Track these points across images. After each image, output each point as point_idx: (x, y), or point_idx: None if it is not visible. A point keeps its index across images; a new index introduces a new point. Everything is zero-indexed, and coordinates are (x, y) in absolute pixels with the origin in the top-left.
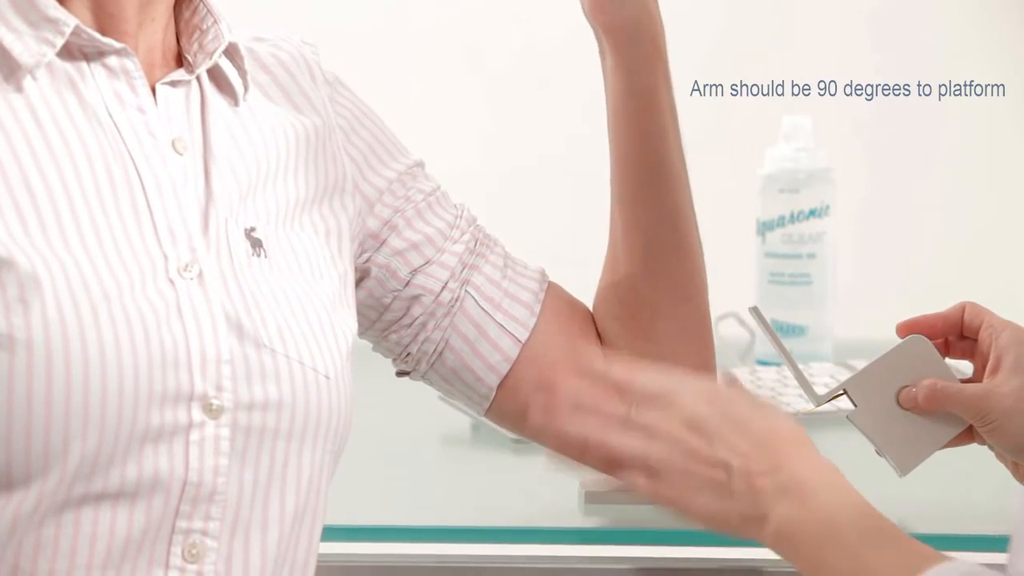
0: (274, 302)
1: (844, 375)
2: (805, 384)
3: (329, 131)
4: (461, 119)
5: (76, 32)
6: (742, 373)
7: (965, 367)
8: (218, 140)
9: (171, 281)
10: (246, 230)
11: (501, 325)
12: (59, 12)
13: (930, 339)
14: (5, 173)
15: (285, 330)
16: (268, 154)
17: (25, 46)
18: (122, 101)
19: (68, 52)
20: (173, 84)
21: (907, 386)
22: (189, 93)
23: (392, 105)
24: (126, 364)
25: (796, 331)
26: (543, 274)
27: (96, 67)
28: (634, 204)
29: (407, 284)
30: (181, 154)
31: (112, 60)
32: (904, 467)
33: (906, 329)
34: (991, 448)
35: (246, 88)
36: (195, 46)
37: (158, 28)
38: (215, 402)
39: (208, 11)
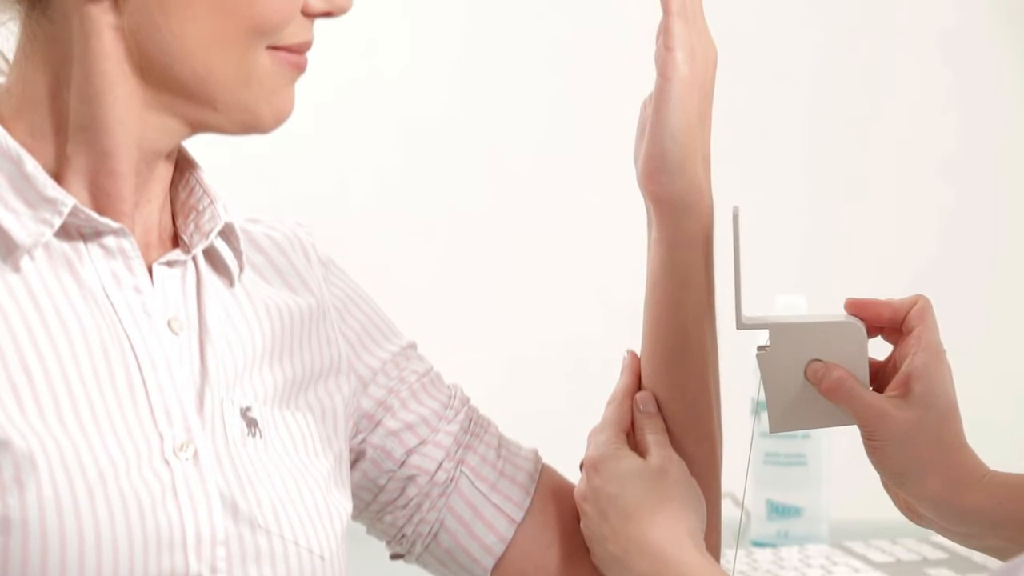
0: (269, 482)
1: (841, 558)
2: (738, 305)
3: (324, 311)
4: (462, 298)
5: (74, 212)
6: (738, 555)
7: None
8: (214, 320)
9: (166, 461)
10: (242, 410)
11: (496, 506)
12: (57, 192)
13: (873, 323)
14: (3, 354)
15: (280, 510)
16: (263, 334)
17: (23, 226)
18: (119, 281)
19: (65, 232)
20: (169, 264)
21: (820, 361)
22: (185, 273)
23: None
24: (121, 545)
25: (792, 512)
26: (537, 455)
27: (93, 247)
28: (660, 376)
29: (402, 464)
30: (177, 334)
31: (109, 240)
32: (776, 427)
33: (854, 308)
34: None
35: (241, 268)
36: (191, 226)
37: (154, 209)
38: None
39: (204, 192)
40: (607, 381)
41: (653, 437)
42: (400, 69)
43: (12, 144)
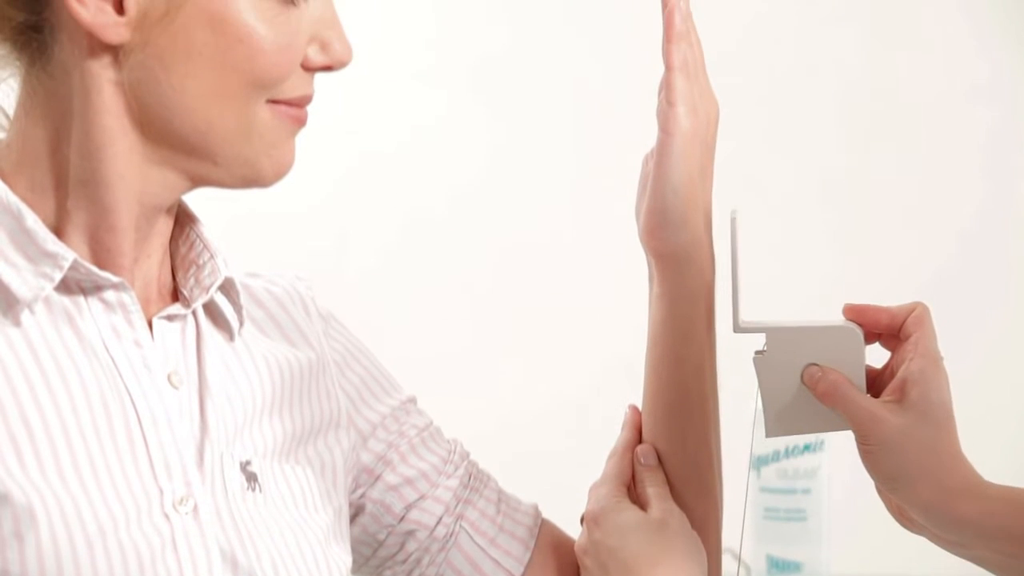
0: (268, 536)
1: None
2: (735, 309)
3: (323, 365)
4: (463, 352)
5: (74, 266)
6: None
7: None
8: (213, 374)
9: (166, 516)
10: (241, 464)
11: (496, 560)
12: (57, 246)
13: (871, 329)
14: (3, 408)
15: (280, 565)
16: (263, 388)
17: (23, 280)
18: (119, 335)
19: (66, 286)
20: (170, 318)
21: (817, 365)
22: (185, 327)
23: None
24: None
25: (792, 567)
26: (537, 510)
27: (93, 301)
28: (661, 429)
29: (402, 519)
30: (177, 388)
31: (109, 294)
32: (772, 431)
33: (851, 313)
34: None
35: (241, 323)
36: (191, 280)
37: (154, 263)
38: None
39: (205, 246)
40: (608, 435)
41: (654, 490)
42: (400, 135)
43: (13, 199)
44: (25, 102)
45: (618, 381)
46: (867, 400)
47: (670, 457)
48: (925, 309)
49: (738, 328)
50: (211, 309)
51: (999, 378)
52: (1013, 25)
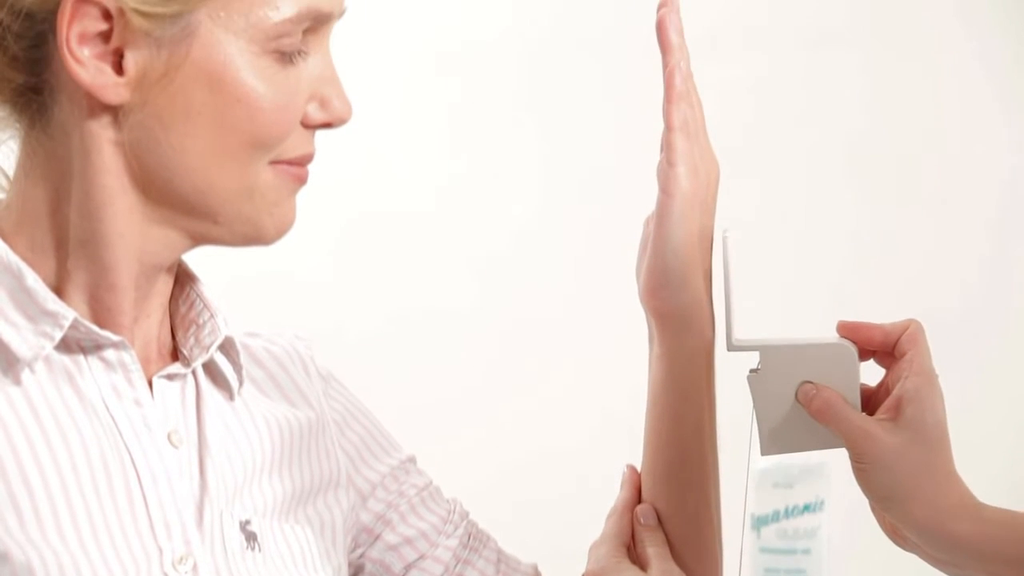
0: None
1: None
2: (729, 326)
3: (323, 425)
4: (462, 411)
5: (74, 325)
6: None
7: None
8: (213, 433)
9: (165, 575)
10: (241, 523)
11: None
12: (57, 305)
13: (865, 346)
14: (3, 467)
15: None
16: (263, 447)
17: (24, 339)
18: (119, 394)
19: (66, 345)
20: (169, 377)
21: (811, 383)
22: (185, 386)
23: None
24: None
25: None
26: (536, 570)
27: (93, 360)
28: (660, 489)
29: None
30: (177, 447)
31: (109, 353)
32: (767, 449)
33: (846, 331)
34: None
35: (241, 382)
36: (191, 340)
37: (154, 323)
38: None
39: (205, 305)
40: (607, 495)
41: (654, 550)
42: (402, 194)
43: (13, 258)
44: (25, 163)
45: (618, 440)
46: (861, 418)
47: (670, 517)
48: (919, 327)
49: (731, 347)
50: (211, 368)
51: (994, 397)
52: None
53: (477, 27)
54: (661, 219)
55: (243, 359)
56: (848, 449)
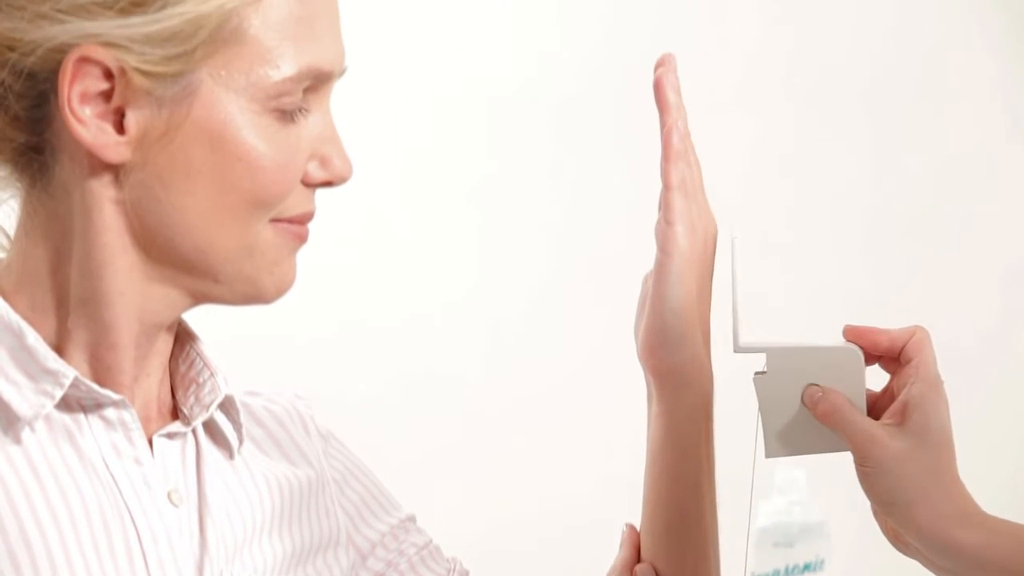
0: None
1: None
2: (736, 327)
3: (323, 484)
4: (461, 468)
5: (74, 384)
6: None
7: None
8: (213, 492)
9: None
10: None
11: None
12: (58, 364)
13: (871, 351)
14: (3, 526)
15: None
16: (263, 506)
17: (24, 398)
18: (119, 453)
19: (66, 404)
20: (170, 436)
21: (817, 386)
22: (185, 445)
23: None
24: None
25: None
26: None
27: (94, 418)
28: (659, 548)
29: None
30: (177, 506)
31: (110, 412)
32: (772, 451)
33: (852, 335)
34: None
35: (241, 441)
36: (191, 398)
37: (154, 382)
38: None
39: (205, 364)
40: (606, 553)
41: None
42: (402, 262)
43: (14, 317)
44: (25, 222)
45: (618, 498)
46: (867, 422)
47: (669, 570)
48: (925, 333)
49: (738, 348)
50: (211, 427)
51: (999, 404)
52: None
53: (492, 84)
54: (659, 278)
55: (243, 418)
56: (853, 453)
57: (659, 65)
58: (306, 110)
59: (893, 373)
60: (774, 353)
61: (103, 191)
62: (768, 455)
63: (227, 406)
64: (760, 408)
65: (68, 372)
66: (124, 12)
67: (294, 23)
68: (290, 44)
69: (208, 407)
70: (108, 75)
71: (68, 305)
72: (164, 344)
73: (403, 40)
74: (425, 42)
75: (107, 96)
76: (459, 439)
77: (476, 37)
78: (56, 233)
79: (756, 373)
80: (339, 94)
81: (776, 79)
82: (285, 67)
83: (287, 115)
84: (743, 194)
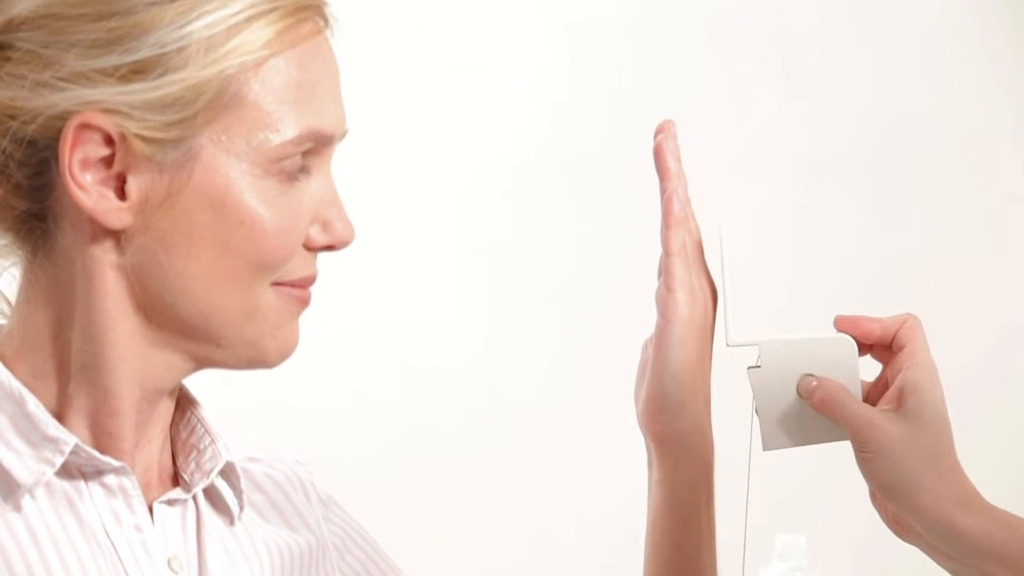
0: None
1: None
2: (726, 322)
3: (323, 550)
4: (460, 534)
5: (75, 451)
6: None
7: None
8: (214, 559)
9: None
10: None
11: None
12: (59, 431)
13: (863, 340)
14: None
15: None
16: (263, 573)
17: (24, 465)
18: (119, 520)
19: (66, 471)
20: (170, 503)
21: (812, 376)
22: (185, 511)
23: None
24: None
25: None
26: None
27: (94, 485)
28: None
29: None
30: (177, 573)
31: (110, 479)
32: (769, 444)
33: (844, 325)
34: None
35: (241, 508)
36: (192, 465)
37: (155, 448)
38: None
39: (206, 431)
40: None
41: None
42: (399, 316)
43: (15, 384)
44: (27, 289)
45: (618, 565)
46: (864, 408)
47: None
48: (916, 320)
49: (730, 342)
50: (211, 494)
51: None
52: None
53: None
54: (660, 344)
55: (244, 484)
56: (851, 439)
57: (659, 132)
58: (307, 173)
59: (885, 362)
60: (767, 346)
61: (105, 257)
62: (766, 448)
63: (228, 472)
64: (755, 402)
65: (69, 439)
66: (125, 79)
67: (294, 87)
68: (290, 108)
69: (209, 473)
70: (109, 141)
71: (69, 371)
72: (165, 409)
73: (413, 104)
74: (436, 106)
75: (108, 162)
76: (457, 503)
77: (485, 101)
78: (57, 299)
79: (749, 368)
80: (347, 156)
81: (788, 149)
82: (286, 130)
83: (289, 179)
84: (754, 258)
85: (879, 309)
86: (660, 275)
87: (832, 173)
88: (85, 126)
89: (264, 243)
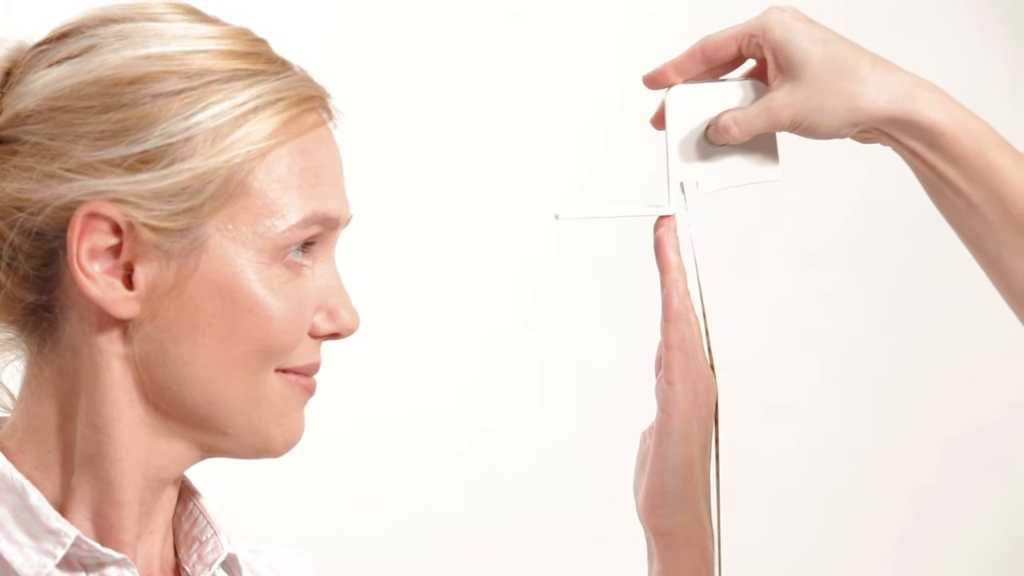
0: None
1: None
2: (668, 182)
3: None
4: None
5: (76, 543)
6: None
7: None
8: None
9: None
10: None
11: None
12: (60, 523)
13: (722, 63)
14: None
15: None
16: None
17: (25, 557)
18: None
19: (68, 562)
20: None
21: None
22: None
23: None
24: None
25: None
26: None
27: None
28: None
29: None
30: None
31: (111, 571)
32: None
33: (684, 69)
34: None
35: None
36: (194, 556)
37: (157, 539)
38: None
39: (208, 522)
40: None
41: None
42: (397, 404)
43: (17, 476)
44: (31, 381)
45: None
46: (762, 100)
47: None
48: (766, 14)
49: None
50: None
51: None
52: None
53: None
54: (660, 438)
55: (246, 575)
56: (788, 127)
57: (659, 226)
58: (311, 259)
59: (759, 59)
60: (676, 92)
61: (111, 347)
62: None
63: (230, 564)
64: (667, 151)
65: (70, 532)
66: (132, 169)
67: (298, 174)
68: (295, 194)
69: (211, 566)
70: (116, 230)
71: (72, 462)
72: (168, 500)
73: (410, 193)
74: (440, 199)
75: (116, 251)
76: None
77: (492, 207)
78: (63, 390)
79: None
80: (347, 246)
81: (783, 240)
82: (291, 215)
83: (295, 266)
84: (763, 359)
85: (880, 414)
86: (659, 369)
87: (827, 264)
88: (93, 215)
89: (271, 330)
